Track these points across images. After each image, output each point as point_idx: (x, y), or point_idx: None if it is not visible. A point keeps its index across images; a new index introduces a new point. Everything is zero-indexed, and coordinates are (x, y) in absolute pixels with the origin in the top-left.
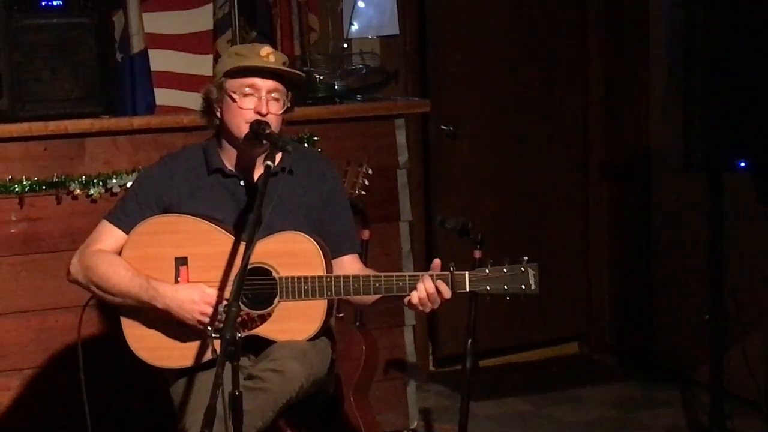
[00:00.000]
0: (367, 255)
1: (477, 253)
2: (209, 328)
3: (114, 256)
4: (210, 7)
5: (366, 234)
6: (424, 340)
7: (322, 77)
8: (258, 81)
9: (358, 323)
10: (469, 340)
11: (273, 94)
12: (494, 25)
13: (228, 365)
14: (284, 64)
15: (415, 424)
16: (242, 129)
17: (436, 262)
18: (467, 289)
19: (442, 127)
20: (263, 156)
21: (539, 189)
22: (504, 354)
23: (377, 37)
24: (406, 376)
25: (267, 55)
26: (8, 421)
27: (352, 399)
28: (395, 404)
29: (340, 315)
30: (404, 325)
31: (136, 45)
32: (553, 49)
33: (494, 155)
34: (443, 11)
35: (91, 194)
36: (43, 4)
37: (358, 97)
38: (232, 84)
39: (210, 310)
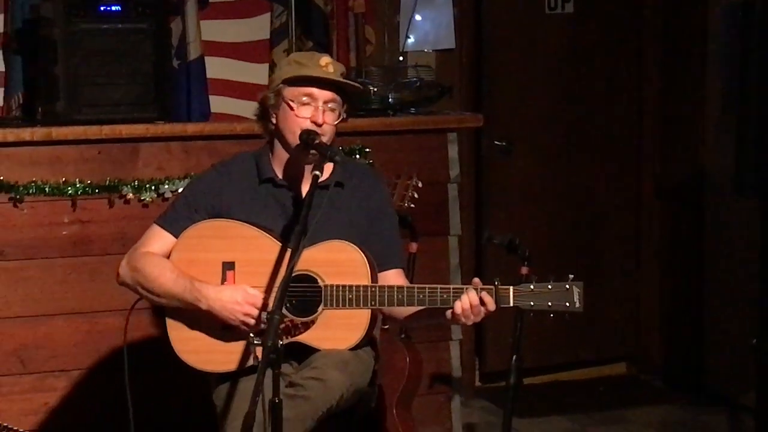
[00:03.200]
0: (414, 268)
1: (524, 269)
2: (251, 334)
3: (161, 258)
4: (267, 16)
5: (414, 247)
6: (471, 355)
7: (376, 89)
8: (316, 91)
9: (403, 336)
10: (514, 357)
11: (330, 105)
12: (551, 43)
13: (269, 372)
14: (342, 74)
15: None
16: (297, 136)
17: (476, 281)
18: (511, 304)
19: (496, 142)
20: (312, 166)
21: (591, 208)
22: (552, 372)
23: (433, 50)
24: (451, 391)
25: (326, 65)
26: (55, 422)
27: (395, 411)
28: (439, 418)
29: (386, 327)
30: (450, 340)
31: (193, 52)
32: (609, 68)
33: (547, 172)
34: (500, 26)
35: (143, 199)
36: (102, 9)
37: (412, 110)
38: (290, 92)
39: (254, 311)
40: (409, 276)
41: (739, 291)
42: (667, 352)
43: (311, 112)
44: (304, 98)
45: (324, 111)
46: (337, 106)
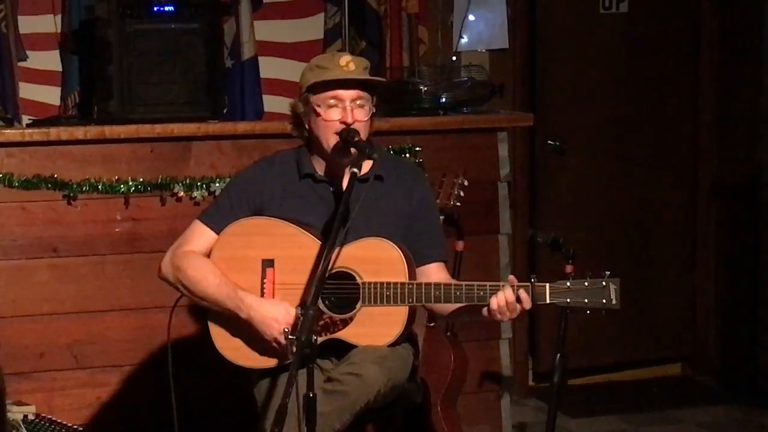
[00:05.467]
0: (461, 266)
1: (568, 268)
2: (286, 330)
3: (204, 259)
4: (321, 16)
5: (460, 245)
6: (524, 354)
7: (427, 88)
8: (341, 92)
9: (449, 333)
10: (558, 355)
11: (357, 102)
12: (605, 42)
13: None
14: (366, 68)
15: None
16: (331, 140)
17: (512, 278)
18: (547, 301)
19: (549, 142)
20: (351, 164)
21: (647, 207)
22: (605, 372)
23: (486, 50)
24: (501, 389)
25: (346, 63)
26: (107, 417)
27: (439, 409)
28: (489, 417)
29: (431, 324)
30: (500, 338)
31: (247, 52)
32: (664, 67)
33: (601, 172)
34: (553, 26)
35: (195, 197)
36: (155, 9)
37: (465, 109)
38: (316, 98)
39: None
40: (455, 274)
41: None
42: (722, 352)
43: (340, 113)
44: (331, 101)
45: (352, 109)
46: (365, 101)
